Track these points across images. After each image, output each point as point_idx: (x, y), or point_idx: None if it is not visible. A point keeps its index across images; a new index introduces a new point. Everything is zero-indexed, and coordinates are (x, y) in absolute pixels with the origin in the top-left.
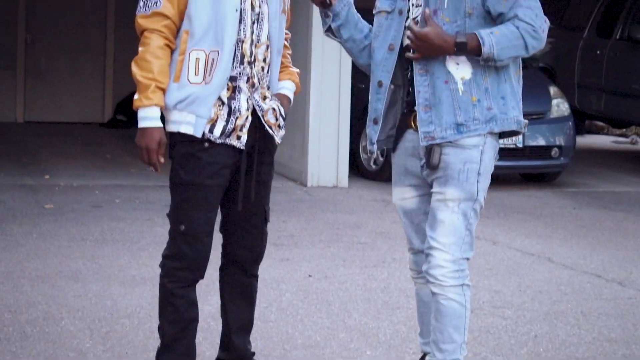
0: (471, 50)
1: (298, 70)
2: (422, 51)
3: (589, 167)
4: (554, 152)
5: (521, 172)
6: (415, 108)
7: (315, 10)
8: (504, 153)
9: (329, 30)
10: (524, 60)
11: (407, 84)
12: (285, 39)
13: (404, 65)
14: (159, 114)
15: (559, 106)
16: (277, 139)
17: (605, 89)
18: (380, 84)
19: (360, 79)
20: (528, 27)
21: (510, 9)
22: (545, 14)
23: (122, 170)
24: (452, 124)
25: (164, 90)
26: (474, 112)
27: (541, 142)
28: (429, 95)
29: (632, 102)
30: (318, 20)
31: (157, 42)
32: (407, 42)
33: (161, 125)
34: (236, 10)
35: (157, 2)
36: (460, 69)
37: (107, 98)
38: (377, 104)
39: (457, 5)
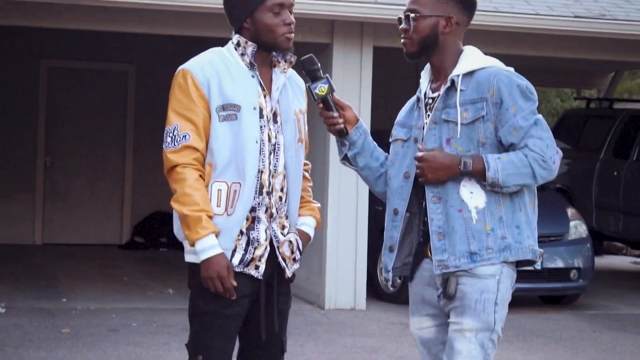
0: (476, 172)
1: (319, 205)
2: (429, 172)
3: (609, 289)
4: (573, 274)
5: (540, 294)
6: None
7: (332, 136)
8: (522, 275)
9: (345, 159)
10: None
11: (422, 213)
12: (306, 170)
13: (419, 194)
14: (217, 241)
15: (577, 228)
16: (288, 273)
17: (623, 210)
18: (396, 212)
19: (377, 201)
20: (537, 157)
21: (521, 140)
22: (561, 134)
23: (140, 294)
24: (465, 253)
25: (212, 218)
26: (488, 241)
27: (560, 264)
28: (442, 223)
29: None
30: (335, 145)
31: (193, 175)
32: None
33: (222, 250)
34: (256, 142)
35: (185, 136)
36: (474, 198)
37: (125, 220)
38: (393, 231)
39: (470, 135)
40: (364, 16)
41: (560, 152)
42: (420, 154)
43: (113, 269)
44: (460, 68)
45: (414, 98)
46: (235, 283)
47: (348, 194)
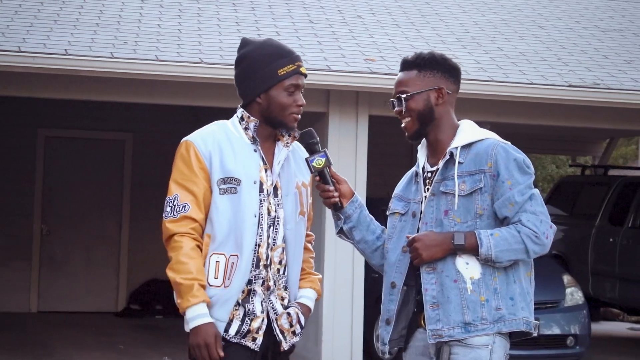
0: (469, 248)
1: (320, 276)
2: (423, 250)
3: (606, 356)
4: (570, 341)
5: None
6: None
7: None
8: (519, 342)
9: (340, 232)
10: None
11: (418, 284)
12: (308, 241)
13: (416, 267)
14: (207, 310)
15: (573, 295)
16: (285, 345)
17: (619, 277)
18: (393, 285)
19: (373, 268)
20: (530, 232)
21: (516, 214)
22: (556, 201)
23: None
24: (459, 323)
25: (204, 288)
26: (482, 312)
27: (556, 330)
28: (436, 293)
29: None
30: (331, 214)
31: (190, 244)
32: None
33: (212, 320)
34: (255, 215)
35: (185, 206)
36: (469, 269)
37: (121, 287)
38: (390, 304)
39: (467, 206)
40: (359, 86)
41: (554, 227)
42: (411, 236)
43: (109, 336)
44: (459, 140)
45: (411, 171)
46: (222, 353)
47: (344, 261)
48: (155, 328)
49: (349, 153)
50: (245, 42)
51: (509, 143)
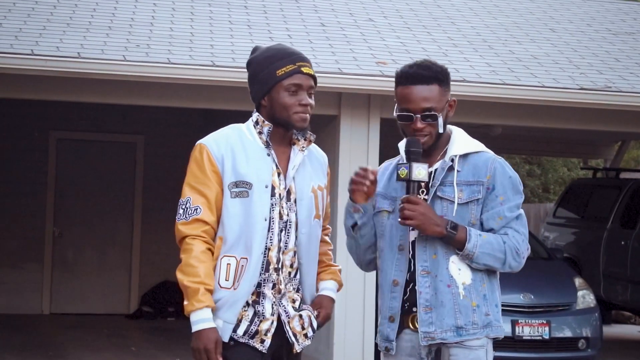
0: (458, 240)
1: (340, 267)
2: (420, 215)
3: (617, 359)
4: (581, 343)
5: None
6: (416, 308)
7: (340, 200)
8: (531, 345)
9: (353, 227)
10: (547, 251)
11: (405, 284)
12: (325, 234)
13: (410, 267)
14: (211, 315)
15: (585, 297)
16: (297, 348)
17: (631, 279)
18: (396, 283)
19: None
20: (513, 247)
21: (502, 227)
22: (568, 204)
23: None
24: (452, 327)
25: (211, 292)
26: (474, 317)
27: (568, 333)
28: (429, 296)
29: None
30: (342, 209)
31: (200, 247)
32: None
33: (214, 325)
34: (265, 219)
35: (197, 209)
36: (462, 275)
37: (133, 289)
38: (393, 302)
39: (462, 215)
40: (371, 89)
41: (530, 249)
42: (414, 197)
43: (121, 338)
44: (457, 149)
45: (390, 169)
46: (221, 359)
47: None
48: (167, 330)
49: (360, 156)
50: (254, 49)
51: (503, 159)
